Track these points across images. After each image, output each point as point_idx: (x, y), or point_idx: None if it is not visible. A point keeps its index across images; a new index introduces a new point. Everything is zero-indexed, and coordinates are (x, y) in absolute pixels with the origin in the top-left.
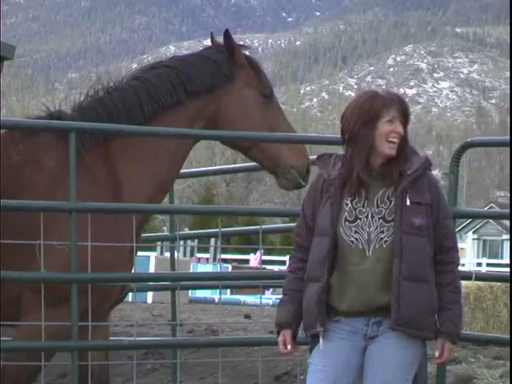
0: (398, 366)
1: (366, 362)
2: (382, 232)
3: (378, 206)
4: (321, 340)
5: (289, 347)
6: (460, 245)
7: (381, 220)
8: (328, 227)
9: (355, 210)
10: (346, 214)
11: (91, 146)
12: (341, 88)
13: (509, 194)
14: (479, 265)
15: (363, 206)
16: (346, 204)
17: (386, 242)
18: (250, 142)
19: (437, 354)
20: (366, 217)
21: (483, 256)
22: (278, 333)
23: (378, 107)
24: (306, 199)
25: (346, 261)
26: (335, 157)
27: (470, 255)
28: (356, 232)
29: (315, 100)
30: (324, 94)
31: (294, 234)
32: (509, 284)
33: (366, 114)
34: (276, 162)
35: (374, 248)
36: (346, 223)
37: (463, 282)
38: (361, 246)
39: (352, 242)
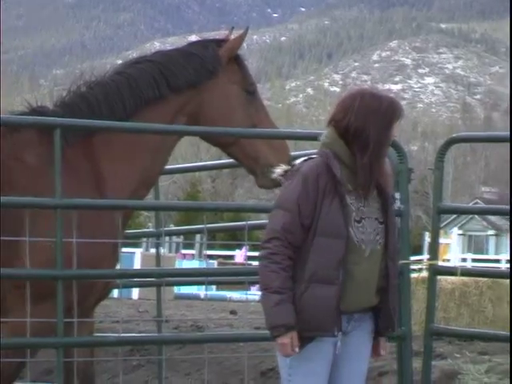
0: (368, 357)
1: (341, 353)
2: (378, 233)
3: (372, 207)
4: (339, 344)
5: (297, 350)
6: (445, 240)
7: (376, 221)
8: (342, 229)
9: (359, 210)
10: (354, 214)
11: (74, 141)
12: (326, 84)
13: (494, 190)
14: (464, 260)
15: (364, 207)
16: (351, 204)
17: (380, 243)
18: (230, 139)
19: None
20: (368, 217)
21: (468, 251)
22: (278, 334)
23: (397, 113)
24: (301, 196)
25: (349, 261)
26: (333, 154)
27: (455, 251)
28: (362, 233)
29: (300, 96)
30: (309, 89)
31: (284, 230)
32: (493, 279)
33: (388, 118)
34: (256, 159)
35: (372, 249)
36: (355, 224)
37: (449, 278)
38: (363, 247)
39: (358, 242)
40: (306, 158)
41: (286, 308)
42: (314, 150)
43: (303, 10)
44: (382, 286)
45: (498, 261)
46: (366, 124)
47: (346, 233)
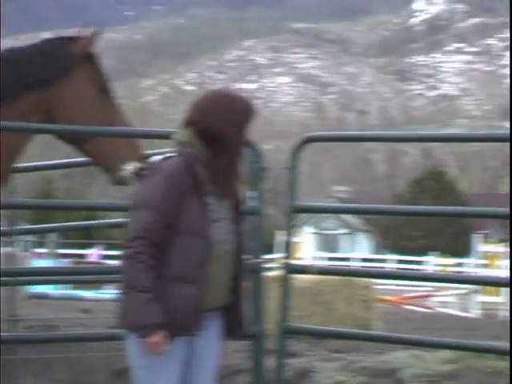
0: (217, 356)
1: (194, 352)
2: (231, 234)
3: (227, 208)
4: (194, 342)
5: (166, 348)
6: (299, 239)
7: (229, 221)
8: (203, 228)
9: (217, 210)
10: (214, 214)
11: None
12: (181, 83)
13: (347, 189)
14: (318, 259)
15: (221, 207)
16: (211, 204)
17: (232, 244)
18: (85, 137)
19: None
20: (224, 218)
21: (322, 250)
22: (148, 333)
23: (252, 114)
24: (164, 194)
25: (208, 260)
26: (193, 154)
27: (308, 249)
28: (219, 233)
29: (155, 94)
30: (164, 88)
31: (148, 229)
32: (346, 278)
33: (244, 119)
34: (109, 157)
35: (225, 249)
36: (215, 223)
37: (302, 276)
38: (220, 247)
39: (216, 242)
40: (163, 156)
41: (155, 307)
42: (170, 149)
43: (157, 8)
44: (232, 286)
45: (350, 259)
46: (223, 125)
47: (207, 232)
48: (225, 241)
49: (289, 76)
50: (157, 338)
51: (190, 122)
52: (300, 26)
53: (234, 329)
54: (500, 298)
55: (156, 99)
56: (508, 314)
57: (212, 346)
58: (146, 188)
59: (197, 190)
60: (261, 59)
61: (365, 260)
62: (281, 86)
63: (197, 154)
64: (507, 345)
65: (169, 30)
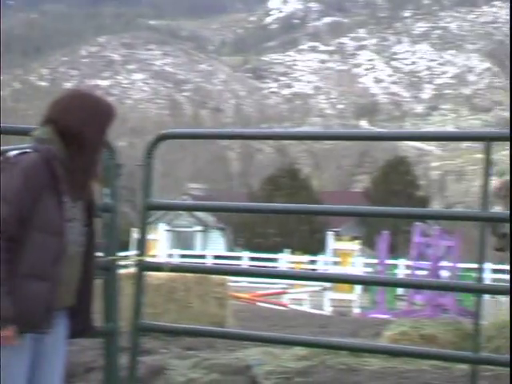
0: (65, 355)
1: (41, 351)
2: (82, 235)
3: (80, 209)
4: (43, 341)
5: (17, 341)
6: (153, 236)
7: (81, 223)
8: (59, 226)
9: (71, 210)
10: (69, 213)
11: None
12: (33, 78)
13: (202, 187)
14: (172, 256)
15: (74, 207)
16: (66, 202)
17: (82, 245)
18: None
19: None
20: (76, 218)
21: (176, 247)
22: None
23: (113, 116)
24: (21, 189)
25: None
26: (53, 151)
27: (162, 246)
28: (72, 233)
29: (8, 90)
30: (16, 83)
31: (4, 223)
32: (200, 275)
33: (104, 121)
34: None
35: (76, 250)
36: (69, 223)
37: (156, 274)
38: (71, 247)
39: (70, 241)
40: (20, 151)
41: (7, 301)
42: (28, 145)
43: (11, 2)
44: (81, 287)
45: (204, 256)
46: (83, 125)
47: (62, 231)
48: (76, 242)
49: (143, 73)
50: (9, 332)
51: (50, 120)
52: (155, 22)
53: (82, 329)
54: (352, 295)
55: (8, 95)
56: (359, 310)
57: (61, 345)
58: (2, 182)
59: (54, 188)
60: (115, 55)
61: (219, 257)
62: (135, 82)
63: (55, 152)
64: (359, 341)
65: (22, 25)
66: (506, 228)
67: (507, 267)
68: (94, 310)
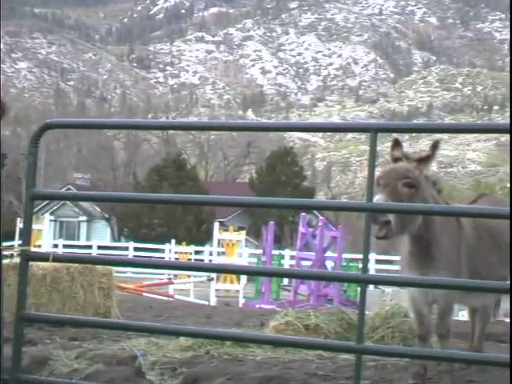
0: None
1: None
2: None
3: None
4: None
5: None
6: (37, 226)
7: None
8: None
9: None
10: None
11: None
12: None
13: (86, 176)
14: (56, 246)
15: None
16: None
17: None
18: None
19: None
20: None
21: (60, 237)
22: None
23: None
24: None
25: None
26: None
27: (47, 237)
28: None
29: None
30: None
31: None
32: (85, 265)
33: None
34: None
35: None
36: None
37: (41, 264)
38: None
39: None
40: None
41: None
42: None
43: None
44: None
45: (89, 247)
46: None
47: None
48: None
49: (28, 61)
50: None
51: None
52: (40, 10)
53: None
54: (238, 285)
55: None
56: (244, 301)
57: None
58: None
59: None
60: None
61: (104, 248)
62: (20, 71)
63: None
64: (244, 332)
65: None
66: (387, 216)
67: (391, 258)
68: None
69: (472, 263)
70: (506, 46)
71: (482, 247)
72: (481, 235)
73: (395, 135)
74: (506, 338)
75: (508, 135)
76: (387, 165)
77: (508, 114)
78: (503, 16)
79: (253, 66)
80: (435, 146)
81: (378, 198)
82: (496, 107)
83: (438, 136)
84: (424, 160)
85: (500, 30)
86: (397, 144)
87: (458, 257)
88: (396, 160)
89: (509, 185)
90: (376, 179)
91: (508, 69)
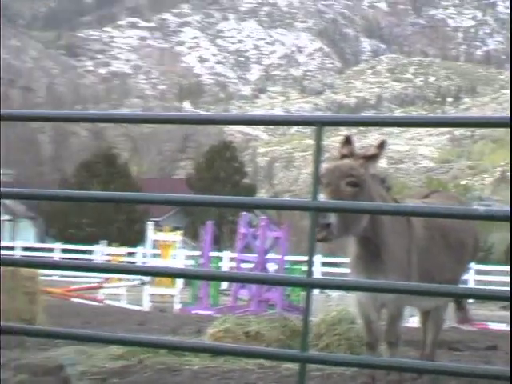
0: None
1: None
2: None
3: None
4: None
5: None
6: None
7: None
8: None
9: None
10: None
11: None
12: None
13: (9, 172)
14: None
15: None
16: None
17: None
18: None
19: None
20: None
21: None
22: None
23: None
24: None
25: None
26: None
27: None
28: None
29: None
30: None
31: None
32: (9, 268)
33: None
34: None
35: None
36: None
37: None
38: None
39: None
40: None
41: None
42: None
43: None
44: None
45: (13, 248)
46: None
47: None
48: None
49: None
50: None
51: None
52: None
53: None
54: (173, 289)
55: None
56: (180, 306)
57: None
58: None
59: None
60: None
61: (29, 249)
62: None
63: None
64: (179, 339)
65: None
66: (327, 218)
67: (337, 260)
68: None
69: (423, 265)
70: (460, 34)
71: (434, 247)
72: (432, 234)
73: (342, 129)
74: (459, 345)
75: (465, 129)
76: (332, 162)
77: (462, 106)
78: (457, 1)
79: (189, 54)
80: (382, 145)
81: (322, 198)
82: (449, 99)
83: (388, 130)
84: (370, 158)
85: (454, 16)
86: (348, 142)
87: (409, 259)
88: (342, 157)
89: (462, 182)
90: (320, 177)
91: (462, 58)
